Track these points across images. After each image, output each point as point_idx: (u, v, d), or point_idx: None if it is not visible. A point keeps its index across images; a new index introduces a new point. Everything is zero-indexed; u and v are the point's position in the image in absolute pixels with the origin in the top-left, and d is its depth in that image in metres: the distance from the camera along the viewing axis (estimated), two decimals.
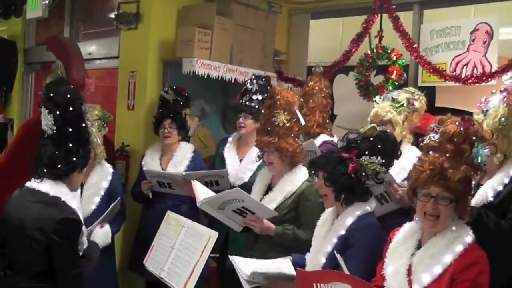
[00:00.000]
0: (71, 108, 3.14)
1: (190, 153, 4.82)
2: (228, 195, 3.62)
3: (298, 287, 2.32)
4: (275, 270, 3.14)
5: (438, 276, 2.55)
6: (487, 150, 2.65)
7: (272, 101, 3.85)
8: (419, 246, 2.74)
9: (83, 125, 3.23)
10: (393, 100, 4.16)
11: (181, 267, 3.42)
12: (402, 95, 4.18)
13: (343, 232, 3.05)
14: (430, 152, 2.70)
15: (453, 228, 2.65)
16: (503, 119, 3.34)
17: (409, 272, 2.67)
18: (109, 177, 4.49)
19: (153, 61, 5.32)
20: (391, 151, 3.16)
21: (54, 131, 3.16)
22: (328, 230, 3.19)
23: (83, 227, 3.22)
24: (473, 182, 2.72)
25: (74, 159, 3.17)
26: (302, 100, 4.93)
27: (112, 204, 4.10)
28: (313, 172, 3.34)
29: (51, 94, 3.18)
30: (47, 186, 3.13)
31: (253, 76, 4.88)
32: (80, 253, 3.22)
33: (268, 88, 4.63)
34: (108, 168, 4.54)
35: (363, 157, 3.09)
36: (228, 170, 4.70)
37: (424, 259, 2.64)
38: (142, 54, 5.33)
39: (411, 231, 2.81)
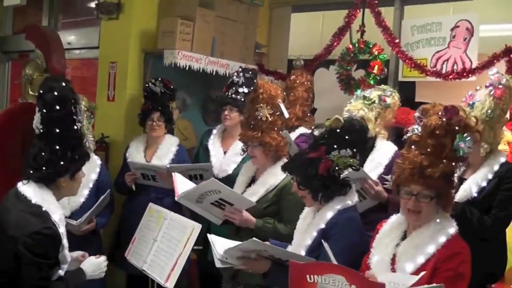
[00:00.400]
0: (58, 107, 2.91)
1: (175, 146, 4.79)
2: (204, 187, 3.60)
3: (291, 278, 2.31)
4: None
5: (421, 265, 2.60)
6: (469, 140, 2.64)
7: (255, 95, 3.84)
8: (404, 237, 2.79)
9: (74, 127, 2.99)
10: (364, 98, 4.18)
11: (164, 259, 3.41)
12: (374, 93, 4.19)
13: (323, 225, 3.05)
14: (412, 147, 2.73)
15: (437, 220, 2.70)
16: (489, 111, 3.42)
17: (393, 261, 2.72)
18: (98, 169, 4.45)
19: (134, 52, 5.26)
20: (359, 140, 3.15)
21: (41, 131, 2.96)
22: (309, 224, 3.20)
23: (64, 241, 2.92)
24: (456, 174, 2.75)
25: (62, 163, 2.93)
26: (285, 93, 4.92)
27: (102, 197, 4.09)
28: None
29: (41, 91, 2.97)
30: (31, 191, 2.91)
31: (240, 69, 4.85)
32: (61, 271, 2.94)
33: (254, 80, 4.64)
34: (96, 160, 4.48)
35: (333, 153, 3.07)
36: (212, 162, 4.70)
37: (408, 249, 2.69)
38: (123, 44, 5.26)
39: (397, 222, 2.87)
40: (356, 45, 5.23)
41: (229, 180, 4.39)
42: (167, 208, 3.78)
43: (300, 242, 3.15)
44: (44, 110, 2.93)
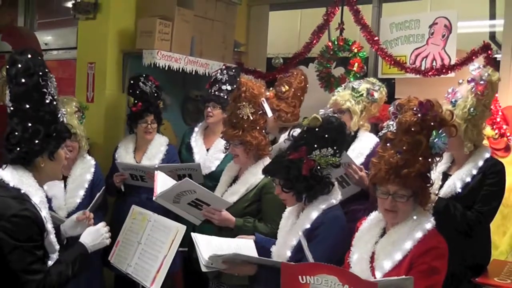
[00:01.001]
0: (23, 81, 2.70)
1: (164, 146, 4.76)
2: (179, 187, 3.58)
3: (284, 280, 2.30)
4: (234, 251, 3.05)
5: (399, 262, 2.61)
6: (444, 136, 2.65)
7: (237, 93, 3.82)
8: (383, 234, 2.80)
9: (46, 101, 2.76)
10: (353, 89, 4.18)
11: (149, 262, 3.37)
12: (362, 85, 4.20)
13: (308, 225, 3.03)
14: (388, 145, 2.72)
15: (414, 217, 2.70)
16: (472, 109, 3.41)
17: (372, 259, 2.72)
18: (92, 169, 4.44)
19: (112, 52, 5.21)
20: (338, 137, 3.09)
21: (11, 108, 2.75)
22: (293, 223, 3.19)
23: (48, 225, 2.72)
24: (432, 170, 2.74)
25: (36, 141, 2.71)
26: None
27: (97, 195, 4.08)
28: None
29: (7, 66, 2.76)
30: (9, 175, 2.70)
31: (224, 67, 4.88)
32: (50, 262, 2.74)
33: (237, 79, 4.61)
34: (90, 160, 4.48)
35: (314, 152, 3.02)
36: (195, 159, 4.73)
37: (386, 247, 2.69)
38: (101, 45, 5.21)
39: (376, 219, 2.87)
40: (336, 42, 5.24)
41: (212, 176, 4.40)
42: (159, 209, 3.72)
43: (286, 242, 3.13)
44: (11, 86, 2.74)
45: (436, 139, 2.64)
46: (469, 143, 3.47)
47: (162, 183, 3.77)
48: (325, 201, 3.08)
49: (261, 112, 3.87)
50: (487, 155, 3.54)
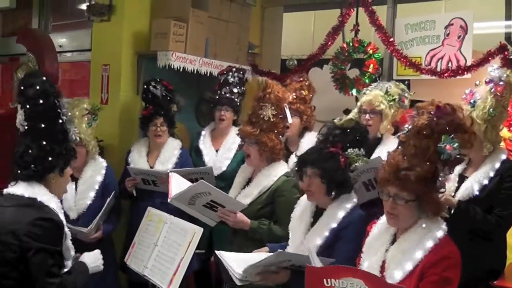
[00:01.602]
0: (41, 101, 2.88)
1: (177, 150, 4.73)
2: (194, 189, 3.58)
3: (308, 283, 2.28)
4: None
5: (410, 272, 2.53)
6: (456, 143, 2.55)
7: (262, 94, 3.84)
8: (394, 241, 2.73)
9: (59, 121, 2.96)
10: (386, 92, 4.16)
11: (166, 264, 3.38)
12: (393, 89, 4.18)
13: (335, 225, 3.07)
14: (399, 147, 2.70)
15: (423, 225, 2.62)
16: (491, 109, 3.41)
17: (383, 268, 2.66)
18: (103, 171, 4.42)
19: (126, 54, 5.20)
20: (363, 141, 3.22)
21: (26, 128, 2.92)
22: (307, 223, 3.23)
23: (66, 229, 2.90)
24: (442, 176, 2.62)
25: (50, 158, 2.89)
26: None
27: (108, 199, 4.08)
28: (298, 168, 3.30)
29: (22, 87, 2.93)
30: (22, 189, 2.86)
31: (234, 69, 4.87)
32: (67, 263, 2.92)
33: (244, 80, 4.80)
34: (102, 163, 4.46)
35: (348, 150, 3.13)
36: (205, 161, 4.74)
37: (396, 255, 2.62)
38: (116, 46, 5.21)
39: (386, 225, 2.79)
40: (351, 44, 5.22)
41: (224, 176, 4.40)
42: (173, 213, 3.71)
43: (309, 242, 3.13)
44: (28, 106, 2.89)
45: (446, 145, 2.55)
46: (489, 144, 3.46)
47: (177, 184, 3.77)
48: (349, 200, 3.15)
49: (281, 116, 3.87)
50: (504, 157, 3.53)
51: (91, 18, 5.35)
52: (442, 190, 2.67)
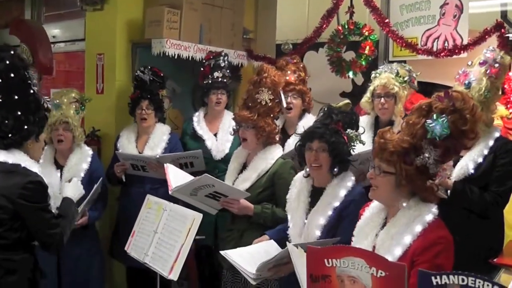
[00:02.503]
0: (12, 75, 3.07)
1: (166, 135, 4.73)
2: (198, 182, 3.57)
3: (309, 264, 2.26)
4: (271, 257, 3.04)
5: (399, 257, 2.48)
6: (445, 123, 2.45)
7: (258, 78, 3.83)
8: (384, 225, 2.69)
9: (31, 91, 3.13)
10: (397, 74, 4.13)
11: (166, 251, 3.37)
12: (401, 70, 4.17)
13: (337, 203, 3.12)
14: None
15: (412, 206, 2.57)
16: (486, 91, 3.41)
17: None
18: (89, 159, 4.41)
19: (121, 43, 5.17)
20: (356, 125, 3.31)
21: (0, 100, 3.09)
22: (306, 203, 3.27)
23: (49, 190, 3.19)
24: (427, 156, 2.51)
25: (26, 127, 3.10)
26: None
27: (95, 186, 4.06)
28: (303, 141, 3.31)
29: None
30: (3, 156, 3.06)
31: (223, 53, 4.92)
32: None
33: (230, 64, 4.92)
34: (88, 151, 4.46)
35: (348, 130, 3.21)
36: (208, 146, 4.74)
37: (385, 240, 2.58)
38: (110, 35, 5.17)
39: (378, 208, 2.77)
40: (346, 26, 5.19)
41: (227, 159, 4.37)
42: (162, 198, 3.73)
43: (312, 222, 3.16)
44: (0, 80, 3.07)
45: (434, 124, 2.47)
46: (484, 126, 3.45)
47: (175, 176, 3.77)
48: (349, 179, 3.20)
49: (277, 100, 3.86)
50: (497, 134, 3.55)
51: (84, 8, 5.31)
52: (433, 174, 2.59)
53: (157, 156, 4.42)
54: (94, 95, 5.25)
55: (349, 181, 3.19)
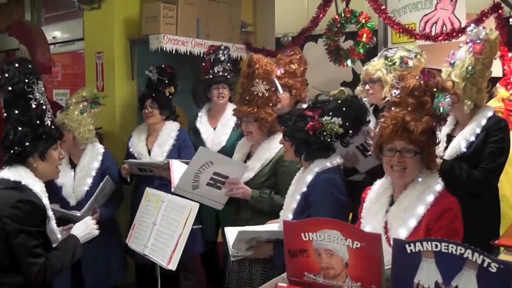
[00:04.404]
0: (10, 88, 2.97)
1: (175, 132, 4.75)
2: (196, 162, 3.58)
3: (286, 239, 2.27)
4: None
5: (414, 228, 2.54)
6: (448, 99, 2.67)
7: (250, 70, 3.84)
8: (392, 202, 2.74)
9: (33, 106, 3.00)
10: (386, 58, 4.11)
11: (165, 242, 3.39)
12: (397, 54, 4.13)
13: (304, 189, 3.15)
14: (393, 108, 2.71)
15: (420, 179, 2.66)
16: (470, 67, 3.43)
17: (386, 229, 2.66)
18: (100, 157, 4.44)
19: (119, 40, 5.21)
20: (354, 117, 3.20)
21: (5, 114, 3.02)
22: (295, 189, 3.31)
23: (49, 212, 2.98)
24: (438, 133, 2.72)
25: (27, 143, 2.96)
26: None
27: (101, 184, 4.08)
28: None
29: None
30: (9, 173, 2.94)
31: (223, 47, 4.89)
32: (53, 245, 3.01)
33: (233, 58, 4.88)
34: (99, 149, 4.48)
35: (325, 117, 3.14)
36: (204, 138, 4.76)
37: (398, 214, 2.63)
38: (108, 33, 5.22)
39: (382, 187, 2.82)
40: (343, 15, 5.16)
41: (223, 152, 4.40)
42: (174, 193, 3.72)
43: (288, 206, 3.25)
44: (1, 94, 3.03)
45: (441, 101, 2.64)
46: (469, 101, 3.46)
47: (178, 170, 3.81)
48: (320, 165, 3.17)
49: (273, 89, 3.87)
50: (490, 114, 3.53)
51: (81, 7, 5.37)
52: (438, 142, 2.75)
53: (164, 162, 4.41)
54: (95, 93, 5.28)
55: (319, 166, 3.16)
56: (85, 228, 3.23)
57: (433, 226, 2.50)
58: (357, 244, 2.06)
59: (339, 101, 3.23)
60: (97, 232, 3.27)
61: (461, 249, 1.87)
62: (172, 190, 3.68)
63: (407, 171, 2.66)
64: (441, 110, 2.65)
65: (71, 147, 4.36)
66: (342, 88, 3.39)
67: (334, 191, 3.06)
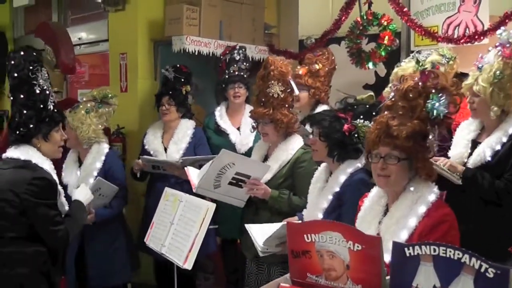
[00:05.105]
0: (15, 75, 3.19)
1: (191, 130, 4.78)
2: (218, 162, 3.62)
3: (289, 240, 2.28)
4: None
5: (406, 241, 2.45)
6: (444, 101, 2.52)
7: (266, 72, 3.86)
8: (386, 212, 2.68)
9: (37, 91, 3.22)
10: (417, 62, 4.01)
11: (181, 241, 3.42)
12: (430, 58, 3.97)
13: (337, 189, 3.21)
14: (385, 112, 2.66)
15: (411, 188, 2.59)
16: (498, 72, 3.29)
17: None
18: (103, 157, 4.43)
19: (142, 41, 5.28)
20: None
21: (11, 98, 3.26)
22: (322, 187, 3.34)
23: (59, 187, 3.27)
24: (431, 137, 2.61)
25: (31, 125, 3.19)
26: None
27: (91, 185, 4.08)
28: (310, 126, 3.47)
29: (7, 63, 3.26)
30: (17, 152, 3.18)
31: (238, 46, 4.94)
32: (63, 214, 3.28)
33: (247, 57, 4.90)
34: (104, 149, 4.47)
35: (358, 120, 3.22)
36: (232, 140, 4.80)
37: (390, 226, 2.58)
38: (131, 35, 5.29)
39: (377, 196, 2.77)
40: (365, 17, 5.16)
41: (251, 153, 4.39)
42: (188, 192, 3.75)
43: (317, 205, 3.29)
44: (9, 79, 3.26)
45: (435, 103, 2.52)
46: (496, 107, 3.32)
47: (195, 174, 3.88)
48: (352, 165, 3.25)
49: (289, 90, 3.89)
50: None
51: (106, 9, 5.44)
52: (431, 153, 2.67)
53: (180, 161, 4.47)
54: (118, 94, 5.34)
55: (351, 167, 3.24)
56: (86, 193, 3.59)
57: (426, 239, 2.41)
58: (358, 247, 2.06)
59: (367, 106, 3.32)
60: (92, 196, 3.64)
61: (458, 254, 1.86)
62: (194, 191, 3.72)
63: (391, 178, 2.60)
64: (435, 113, 2.53)
65: (80, 146, 4.43)
66: (371, 93, 3.39)
67: (365, 191, 2.99)
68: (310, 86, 4.64)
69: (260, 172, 3.72)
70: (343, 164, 3.27)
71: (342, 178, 3.23)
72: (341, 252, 2.13)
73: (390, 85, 4.09)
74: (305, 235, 2.17)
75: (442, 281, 1.90)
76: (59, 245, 3.20)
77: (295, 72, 4.67)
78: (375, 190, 2.80)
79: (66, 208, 3.37)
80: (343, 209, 3.16)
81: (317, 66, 4.69)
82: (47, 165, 3.22)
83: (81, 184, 3.76)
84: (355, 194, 3.02)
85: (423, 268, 1.95)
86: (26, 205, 3.06)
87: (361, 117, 3.24)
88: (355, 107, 3.33)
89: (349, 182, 3.19)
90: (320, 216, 3.20)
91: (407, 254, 1.99)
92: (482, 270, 1.82)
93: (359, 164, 3.25)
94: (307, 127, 3.83)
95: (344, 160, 3.27)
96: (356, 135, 3.21)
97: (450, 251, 1.87)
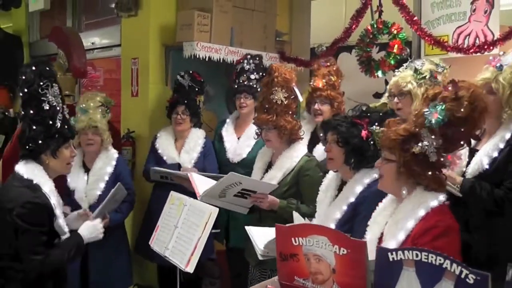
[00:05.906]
0: (25, 90, 3.19)
1: (202, 139, 4.83)
2: (225, 181, 3.64)
3: (278, 243, 2.30)
4: None
5: (402, 242, 2.49)
6: (443, 111, 2.45)
7: (270, 78, 3.88)
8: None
9: (45, 107, 3.21)
10: (415, 70, 3.94)
11: (184, 244, 3.43)
12: (426, 66, 3.93)
13: (352, 199, 3.13)
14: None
15: (404, 191, 2.60)
16: None
17: (380, 240, 2.66)
18: (113, 162, 4.50)
19: (154, 47, 5.33)
20: None
21: (22, 113, 3.26)
22: (332, 196, 3.29)
23: (57, 211, 3.19)
24: (425, 143, 2.51)
25: (40, 141, 3.17)
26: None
27: (112, 190, 4.12)
28: (323, 133, 3.38)
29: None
30: (24, 169, 3.17)
31: (249, 56, 4.92)
32: (62, 238, 3.23)
33: (262, 66, 4.79)
34: (113, 154, 4.55)
35: (374, 126, 3.16)
36: (226, 147, 4.79)
37: (391, 227, 2.61)
38: (143, 40, 5.34)
39: (391, 199, 2.79)
40: (375, 25, 5.16)
41: (244, 163, 4.46)
42: (194, 196, 3.79)
43: (328, 215, 3.20)
44: (19, 94, 3.26)
45: (431, 112, 2.49)
46: (510, 110, 3.25)
47: (200, 183, 3.90)
48: (368, 175, 3.17)
49: (293, 96, 3.90)
50: None
51: (119, 14, 5.51)
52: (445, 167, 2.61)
53: (190, 174, 4.29)
54: (129, 98, 5.43)
55: (368, 178, 3.16)
56: (93, 230, 3.43)
57: (417, 242, 2.43)
58: (343, 251, 2.09)
59: (381, 113, 3.29)
60: (101, 236, 3.48)
61: (440, 259, 1.88)
62: (199, 199, 3.73)
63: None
64: (432, 122, 2.49)
65: (97, 151, 4.49)
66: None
67: None
68: (333, 99, 4.57)
69: (266, 190, 3.74)
70: (358, 173, 3.19)
71: (359, 188, 3.15)
72: (327, 256, 2.15)
73: (388, 95, 4.11)
74: (293, 238, 2.19)
75: (424, 286, 1.92)
76: (30, 273, 3.07)
77: (311, 85, 4.68)
78: (390, 194, 2.83)
79: (66, 230, 3.28)
80: (356, 220, 3.07)
81: (332, 78, 4.66)
82: (48, 187, 3.19)
83: (97, 220, 3.58)
84: (372, 207, 2.94)
85: (406, 273, 1.97)
86: (15, 226, 3.04)
87: (376, 124, 3.18)
88: (369, 114, 3.29)
89: (367, 193, 3.09)
90: (332, 226, 3.11)
91: (390, 259, 2.01)
92: (463, 276, 1.84)
93: (375, 174, 3.13)
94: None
95: (359, 168, 3.20)
96: (372, 142, 3.16)
97: (432, 257, 1.88)
